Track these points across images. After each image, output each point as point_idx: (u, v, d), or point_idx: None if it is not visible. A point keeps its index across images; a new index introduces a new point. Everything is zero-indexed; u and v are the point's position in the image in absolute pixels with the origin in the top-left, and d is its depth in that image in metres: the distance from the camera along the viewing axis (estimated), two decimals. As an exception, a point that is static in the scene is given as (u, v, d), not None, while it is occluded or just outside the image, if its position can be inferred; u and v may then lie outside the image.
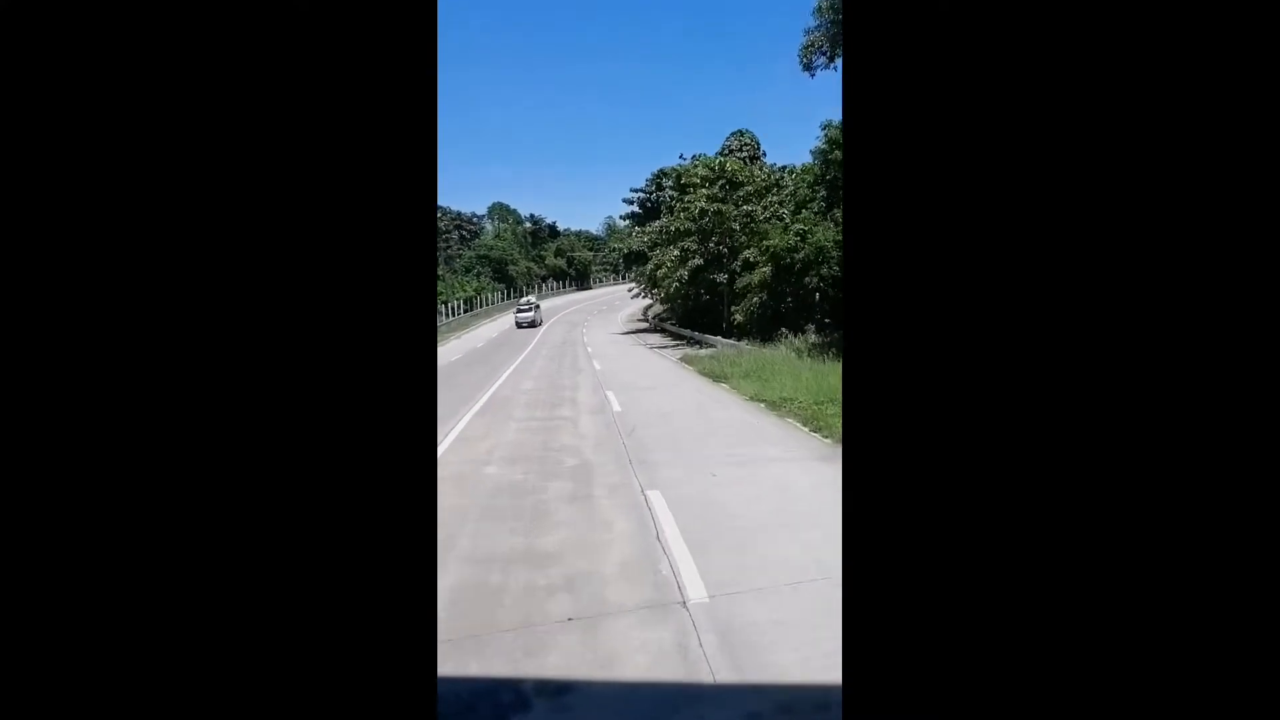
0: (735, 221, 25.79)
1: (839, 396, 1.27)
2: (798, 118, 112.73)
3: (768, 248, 21.17)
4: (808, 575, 3.89)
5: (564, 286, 66.49)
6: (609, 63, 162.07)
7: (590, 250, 71.73)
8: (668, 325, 31.56)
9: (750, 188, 26.52)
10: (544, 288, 62.76)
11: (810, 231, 19.75)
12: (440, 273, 48.27)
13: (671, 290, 29.16)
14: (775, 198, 25.73)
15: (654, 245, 30.71)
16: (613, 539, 4.78)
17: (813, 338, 18.43)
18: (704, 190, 26.83)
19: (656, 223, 32.43)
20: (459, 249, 65.39)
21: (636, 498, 5.75)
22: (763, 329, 21.20)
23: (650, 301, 38.28)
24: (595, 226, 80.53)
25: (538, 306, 40.47)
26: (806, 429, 8.55)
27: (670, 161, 42.82)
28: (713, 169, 27.99)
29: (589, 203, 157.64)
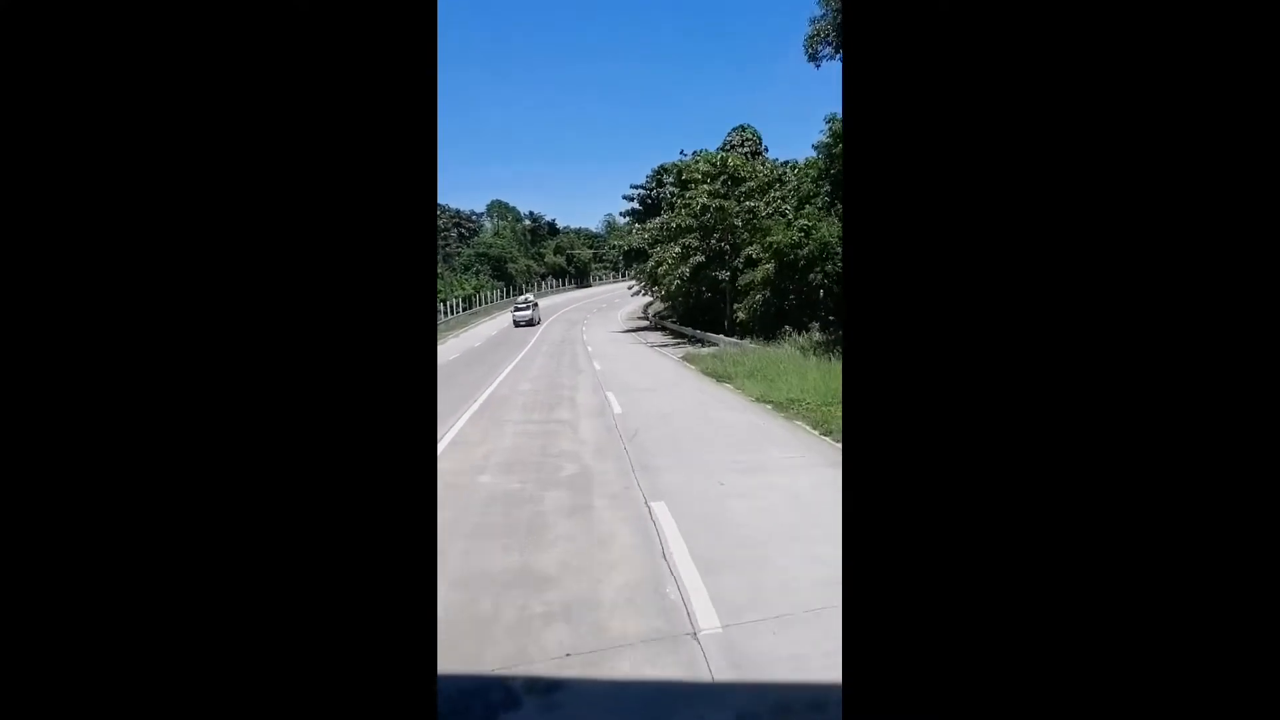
0: (737, 217, 25.32)
1: (847, 397, 1.26)
2: (798, 117, 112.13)
3: (771, 244, 20.67)
4: (829, 600, 3.51)
5: (563, 284, 66.21)
6: (609, 62, 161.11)
7: (590, 248, 71.45)
8: (669, 323, 31.03)
9: (753, 183, 25.99)
10: (543, 285, 62.62)
11: (814, 227, 19.27)
12: (439, 271, 48.02)
13: (672, 288, 28.68)
14: (778, 193, 25.18)
15: (655, 242, 30.33)
16: (615, 558, 4.41)
17: (817, 335, 18.04)
18: (705, 186, 26.31)
19: (657, 219, 32.12)
20: (458, 247, 65.14)
21: (640, 509, 5.39)
22: (765, 327, 20.76)
23: (651, 299, 37.86)
24: (595, 224, 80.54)
25: (535, 304, 39.81)
26: (816, 432, 8.21)
27: (671, 158, 42.24)
28: (714, 164, 27.35)
29: (589, 200, 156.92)
